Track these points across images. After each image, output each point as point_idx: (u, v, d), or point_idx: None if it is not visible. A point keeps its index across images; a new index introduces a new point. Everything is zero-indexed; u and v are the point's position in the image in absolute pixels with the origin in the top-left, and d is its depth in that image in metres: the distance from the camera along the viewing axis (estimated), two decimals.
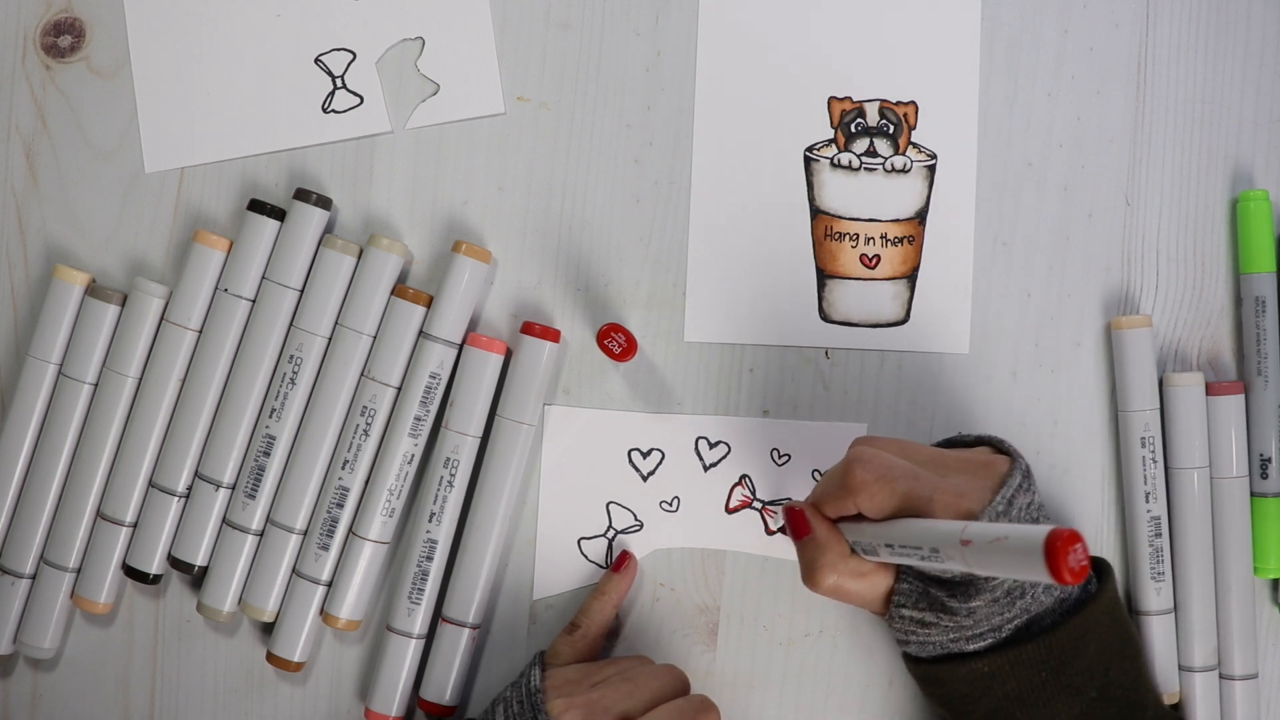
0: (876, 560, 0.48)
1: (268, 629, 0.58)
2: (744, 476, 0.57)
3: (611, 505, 0.58)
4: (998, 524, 0.41)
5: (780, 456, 0.57)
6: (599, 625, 0.55)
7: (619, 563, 0.56)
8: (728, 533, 0.57)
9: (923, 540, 0.44)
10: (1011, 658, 0.47)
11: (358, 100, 0.58)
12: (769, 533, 0.57)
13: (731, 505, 0.57)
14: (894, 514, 0.47)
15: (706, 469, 0.58)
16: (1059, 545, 0.37)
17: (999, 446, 0.50)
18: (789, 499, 0.52)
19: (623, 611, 0.57)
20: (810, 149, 0.58)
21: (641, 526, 0.58)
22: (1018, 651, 0.47)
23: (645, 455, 0.58)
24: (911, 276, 0.58)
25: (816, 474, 0.57)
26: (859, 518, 0.49)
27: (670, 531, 0.58)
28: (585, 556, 0.58)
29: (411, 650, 0.55)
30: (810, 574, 0.49)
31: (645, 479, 0.58)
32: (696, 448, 0.58)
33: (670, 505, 0.58)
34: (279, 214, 0.56)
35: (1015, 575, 0.40)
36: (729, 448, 0.58)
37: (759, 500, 0.57)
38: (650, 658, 0.56)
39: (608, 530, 0.58)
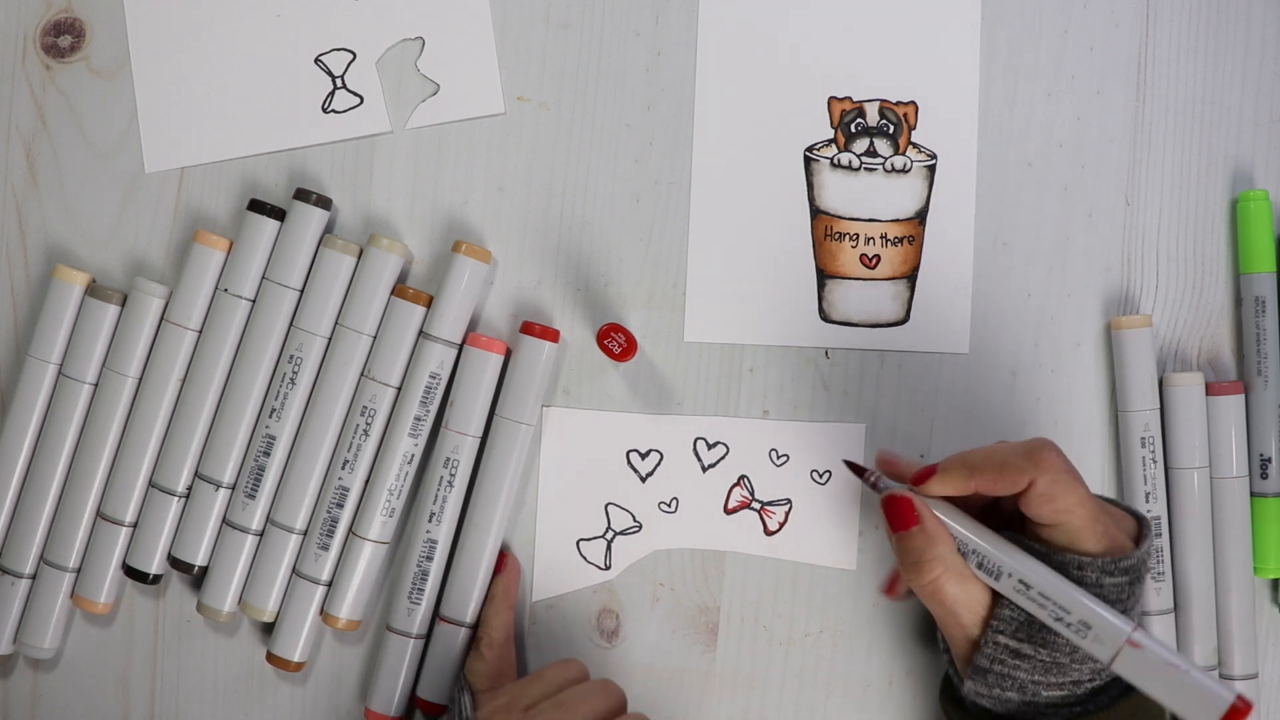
0: (991, 584, 0.46)
1: (268, 629, 0.58)
2: (742, 477, 0.57)
3: (610, 506, 0.58)
4: (1172, 649, 0.41)
5: (779, 457, 0.57)
6: (501, 631, 0.54)
7: (499, 563, 0.56)
8: (727, 533, 0.57)
9: (1075, 607, 0.43)
10: None
11: (358, 100, 0.58)
12: (768, 533, 0.57)
13: (730, 506, 0.57)
14: (1062, 514, 0.45)
15: (705, 469, 0.58)
16: (1238, 716, 0.39)
17: (1121, 506, 0.49)
18: (894, 485, 0.49)
19: (623, 612, 0.57)
20: (810, 149, 0.58)
21: (640, 527, 0.58)
22: None
23: (644, 456, 0.58)
24: (911, 276, 0.58)
25: (815, 475, 0.57)
26: (996, 521, 0.47)
27: (669, 532, 0.58)
28: (584, 558, 0.58)
29: (411, 650, 0.55)
30: (917, 566, 0.46)
31: (644, 480, 0.58)
32: (695, 448, 0.58)
33: (669, 506, 0.58)
34: (279, 214, 0.56)
35: (1163, 701, 0.40)
36: (727, 448, 0.58)
37: (757, 500, 0.57)
38: (580, 661, 0.53)
39: (606, 531, 0.58)
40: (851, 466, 0.51)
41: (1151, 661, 0.41)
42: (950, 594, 0.46)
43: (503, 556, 0.56)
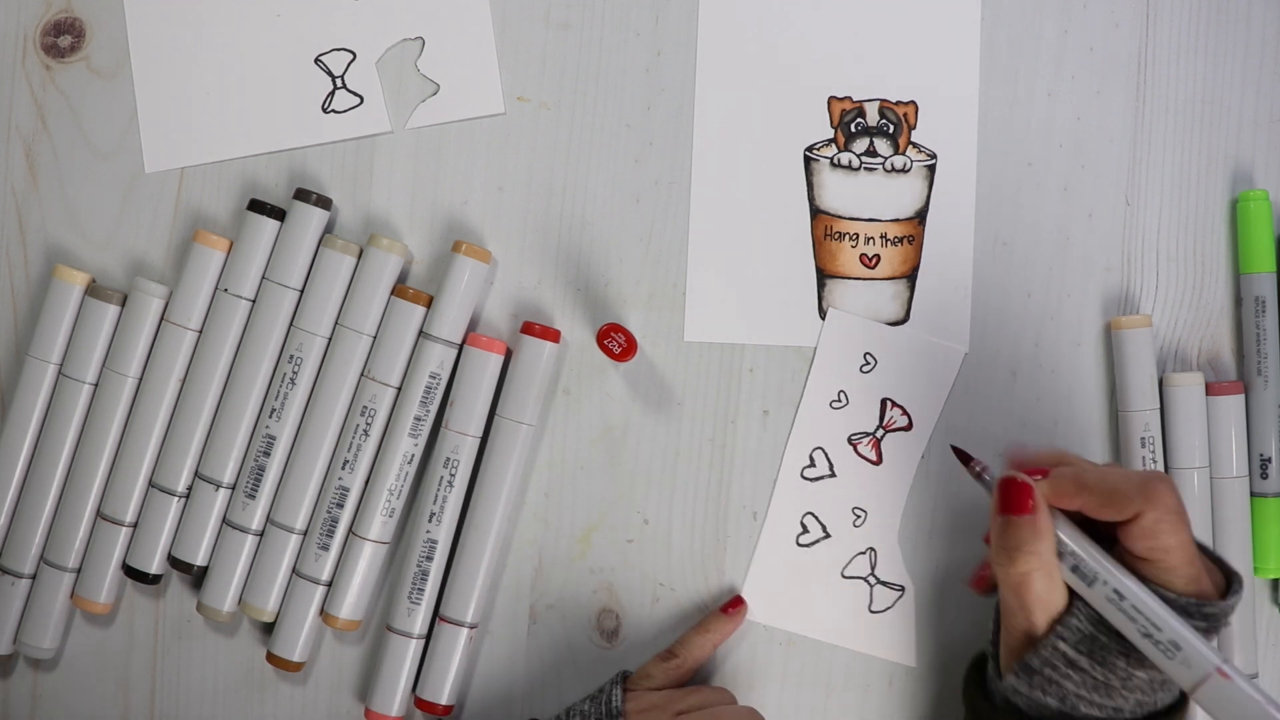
0: (1081, 589, 0.45)
1: (268, 629, 0.58)
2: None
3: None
4: (1259, 688, 0.41)
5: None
6: (695, 659, 0.55)
7: (730, 605, 0.56)
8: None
9: (1167, 627, 0.43)
10: None
11: (358, 100, 0.58)
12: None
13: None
14: (1160, 552, 0.44)
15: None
16: None
17: (1215, 558, 0.48)
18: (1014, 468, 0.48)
19: (623, 612, 0.57)
20: (810, 149, 0.58)
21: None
22: None
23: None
24: (911, 276, 0.58)
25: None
26: (1106, 539, 0.46)
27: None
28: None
29: (412, 650, 0.55)
30: (1015, 554, 0.45)
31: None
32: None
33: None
34: (279, 214, 0.56)
35: None
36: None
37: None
38: (732, 692, 0.55)
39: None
40: (958, 453, 0.50)
41: (1242, 696, 0.41)
42: (1035, 590, 0.45)
43: (736, 601, 0.56)
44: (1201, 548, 0.47)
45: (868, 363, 0.57)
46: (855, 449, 0.57)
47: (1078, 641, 0.45)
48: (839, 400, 0.57)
